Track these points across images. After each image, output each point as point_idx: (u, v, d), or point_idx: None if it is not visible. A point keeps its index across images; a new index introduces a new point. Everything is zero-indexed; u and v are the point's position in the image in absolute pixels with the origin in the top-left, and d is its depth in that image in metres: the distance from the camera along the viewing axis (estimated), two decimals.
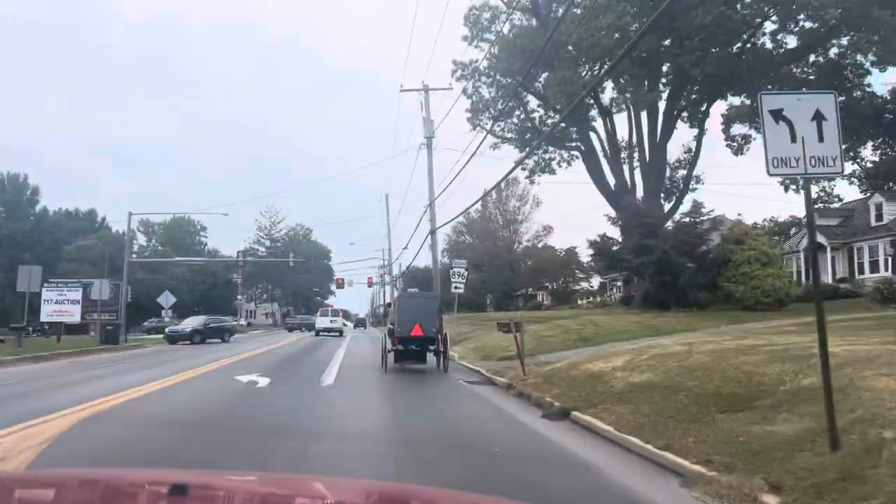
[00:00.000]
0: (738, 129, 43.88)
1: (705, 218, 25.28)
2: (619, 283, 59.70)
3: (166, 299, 40.05)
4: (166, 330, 36.55)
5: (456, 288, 25.32)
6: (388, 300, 73.89)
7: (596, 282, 70.32)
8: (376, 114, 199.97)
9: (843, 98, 41.22)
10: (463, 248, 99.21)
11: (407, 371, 17.04)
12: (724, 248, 24.34)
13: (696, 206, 25.50)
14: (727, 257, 24.10)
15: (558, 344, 19.61)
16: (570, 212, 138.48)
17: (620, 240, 30.67)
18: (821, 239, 34.35)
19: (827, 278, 32.28)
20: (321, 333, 45.33)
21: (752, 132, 44.56)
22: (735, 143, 44.90)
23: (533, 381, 12.37)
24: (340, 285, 72.10)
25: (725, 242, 24.55)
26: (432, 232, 28.04)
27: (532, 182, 38.91)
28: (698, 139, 40.55)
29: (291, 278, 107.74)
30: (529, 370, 13.66)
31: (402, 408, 10.97)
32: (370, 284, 79.14)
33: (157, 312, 72.35)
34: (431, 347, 16.46)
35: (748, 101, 42.66)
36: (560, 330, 21.29)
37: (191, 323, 36.55)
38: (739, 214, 29.52)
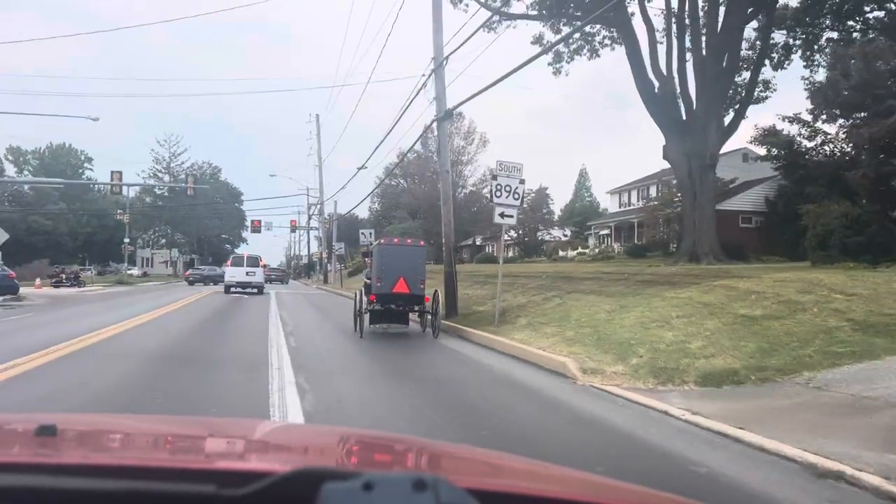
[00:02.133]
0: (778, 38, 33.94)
1: None
2: (606, 233, 49.12)
3: None
4: None
5: (505, 216, 13.15)
6: (317, 247, 60.89)
7: (568, 231, 59.70)
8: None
9: None
10: (397, 192, 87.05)
11: None
12: None
13: None
14: None
15: (825, 342, 8.18)
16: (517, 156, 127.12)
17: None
18: None
19: None
20: (233, 290, 32.37)
21: (796, 42, 34.57)
22: (775, 55, 34.71)
23: None
24: (256, 228, 58.14)
25: None
26: (442, 118, 15.61)
27: (558, 73, 26.93)
28: (766, 27, 29.60)
29: (196, 222, 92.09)
30: None
31: None
32: (293, 228, 65.53)
33: (22, 258, 57.65)
34: (417, 308, 13.63)
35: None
36: (768, 306, 9.72)
37: None
38: None
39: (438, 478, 0.88)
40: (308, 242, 75.07)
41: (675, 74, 26.70)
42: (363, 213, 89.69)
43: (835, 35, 33.89)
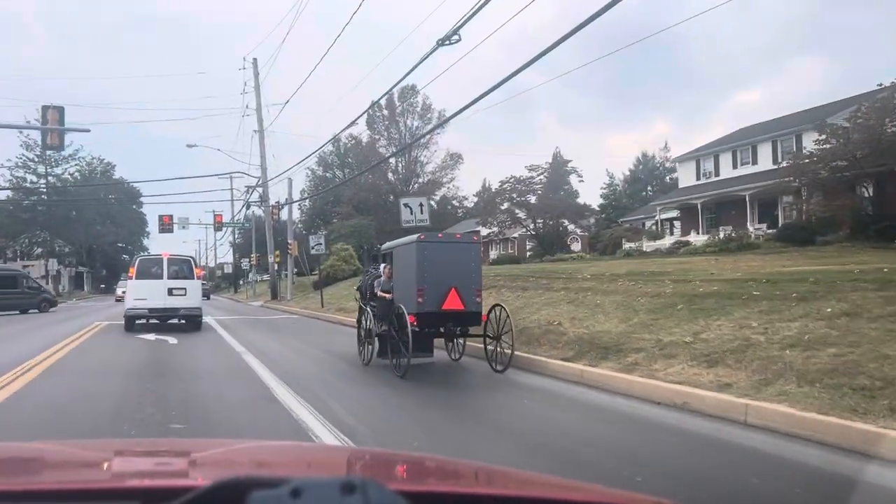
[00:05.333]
0: None
1: None
2: (671, 216, 36.65)
3: None
4: None
5: None
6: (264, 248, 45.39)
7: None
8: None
9: None
10: (333, 185, 71.91)
11: None
12: None
13: None
14: None
15: None
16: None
17: None
18: None
19: None
20: (143, 321, 17.52)
21: None
22: None
23: None
24: (167, 226, 41.89)
25: None
26: None
27: None
28: None
29: (83, 227, 73.87)
30: None
31: None
32: (219, 226, 49.64)
33: None
34: (471, 328, 10.07)
35: None
36: None
37: None
38: None
39: (368, 480, 0.85)
40: (234, 243, 58.97)
41: None
42: (293, 214, 74.49)
43: None
